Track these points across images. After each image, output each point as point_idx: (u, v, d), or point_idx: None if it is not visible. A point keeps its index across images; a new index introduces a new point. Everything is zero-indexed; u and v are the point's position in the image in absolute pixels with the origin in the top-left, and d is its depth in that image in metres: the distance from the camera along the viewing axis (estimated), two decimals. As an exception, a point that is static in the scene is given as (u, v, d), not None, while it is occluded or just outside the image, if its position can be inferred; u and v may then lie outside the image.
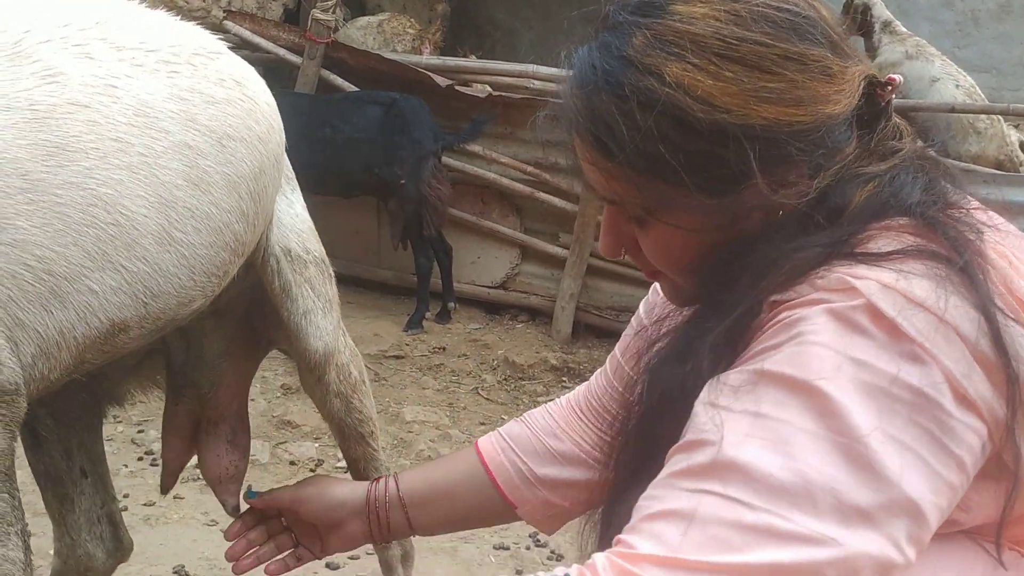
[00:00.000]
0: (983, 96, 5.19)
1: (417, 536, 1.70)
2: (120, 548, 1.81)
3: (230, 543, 1.41)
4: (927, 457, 0.79)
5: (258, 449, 3.32)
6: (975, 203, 0.94)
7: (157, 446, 3.43)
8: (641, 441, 1.03)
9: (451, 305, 5.26)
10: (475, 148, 5.22)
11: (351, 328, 5.09)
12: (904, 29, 5.40)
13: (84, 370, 1.36)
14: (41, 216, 1.19)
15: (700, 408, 0.85)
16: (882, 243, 0.87)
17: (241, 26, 5.45)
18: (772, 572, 0.76)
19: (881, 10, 5.40)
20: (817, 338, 0.82)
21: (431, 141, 4.94)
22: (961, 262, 0.84)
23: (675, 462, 0.84)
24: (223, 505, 1.74)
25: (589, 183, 0.98)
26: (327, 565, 2.70)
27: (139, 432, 3.49)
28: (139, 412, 3.34)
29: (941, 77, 5.05)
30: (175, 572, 2.62)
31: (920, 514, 0.79)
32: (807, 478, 0.77)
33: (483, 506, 1.31)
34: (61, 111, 1.22)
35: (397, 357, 4.67)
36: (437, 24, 6.98)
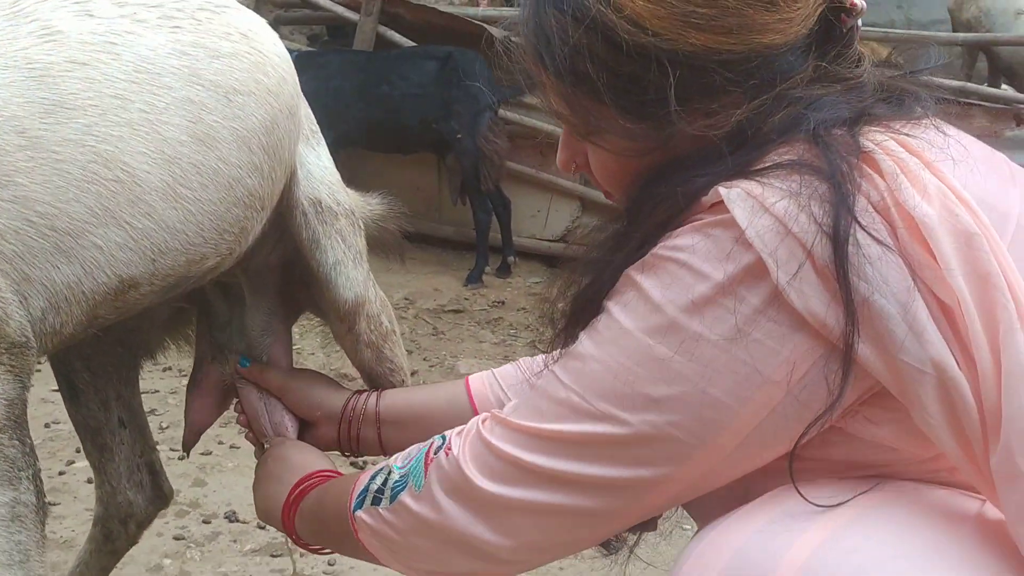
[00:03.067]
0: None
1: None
2: (160, 496, 1.85)
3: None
4: (730, 367, 0.82)
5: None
6: (933, 126, 0.88)
7: (216, 399, 3.54)
8: None
9: (511, 259, 5.25)
10: (532, 100, 5.17)
11: (412, 283, 5.11)
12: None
13: (99, 325, 1.38)
14: (41, 173, 1.21)
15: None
16: (770, 160, 0.85)
17: (299, -16, 5.49)
18: (569, 440, 0.89)
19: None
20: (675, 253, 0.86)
21: (487, 95, 4.91)
22: (829, 175, 0.81)
23: None
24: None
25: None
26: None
27: (200, 386, 3.58)
28: (191, 364, 3.42)
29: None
30: (227, 517, 2.70)
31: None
32: (608, 367, 0.87)
33: None
34: (59, 69, 1.24)
35: (456, 311, 4.69)
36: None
